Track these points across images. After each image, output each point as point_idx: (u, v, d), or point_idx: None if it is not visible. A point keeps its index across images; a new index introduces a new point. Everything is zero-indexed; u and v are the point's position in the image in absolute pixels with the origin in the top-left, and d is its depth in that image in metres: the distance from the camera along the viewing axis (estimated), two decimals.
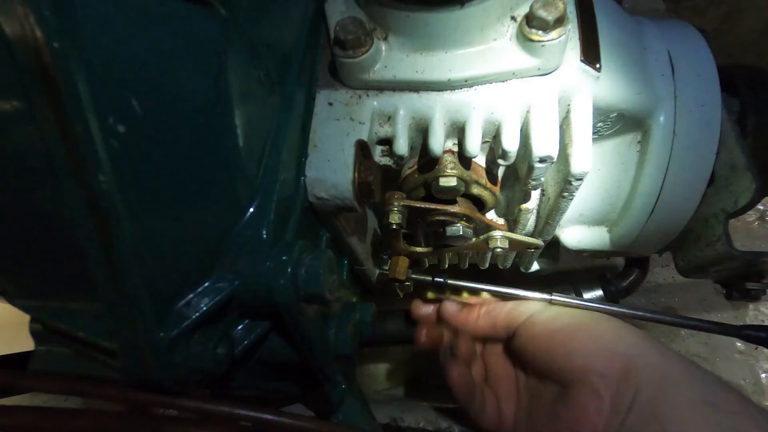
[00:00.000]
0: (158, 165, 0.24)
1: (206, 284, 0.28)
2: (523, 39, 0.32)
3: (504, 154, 0.36)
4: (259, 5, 0.30)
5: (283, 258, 0.29)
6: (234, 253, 0.28)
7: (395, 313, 0.63)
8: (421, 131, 0.37)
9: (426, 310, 0.46)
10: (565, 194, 0.41)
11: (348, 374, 0.37)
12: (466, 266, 0.57)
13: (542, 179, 0.39)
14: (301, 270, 0.28)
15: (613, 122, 0.42)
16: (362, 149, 0.35)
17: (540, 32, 0.31)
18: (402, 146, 0.36)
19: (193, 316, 0.26)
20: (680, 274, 0.50)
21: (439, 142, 0.36)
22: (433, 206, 0.40)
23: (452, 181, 0.38)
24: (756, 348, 0.79)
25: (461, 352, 0.43)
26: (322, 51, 0.38)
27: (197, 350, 0.26)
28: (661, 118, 0.43)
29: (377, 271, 0.54)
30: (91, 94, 0.20)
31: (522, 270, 0.59)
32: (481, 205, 0.44)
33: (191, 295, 0.27)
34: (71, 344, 0.34)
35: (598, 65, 0.36)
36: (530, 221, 0.49)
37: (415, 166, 0.41)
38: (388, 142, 0.38)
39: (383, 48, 0.35)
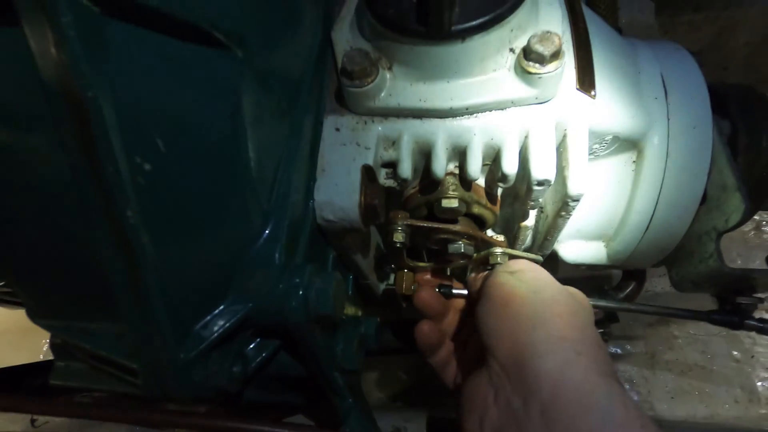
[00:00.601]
0: (180, 197, 0.25)
1: (222, 306, 0.29)
2: (521, 71, 0.34)
3: (504, 178, 0.38)
4: (271, 40, 0.32)
5: (296, 281, 0.30)
6: (248, 277, 0.30)
7: (398, 323, 0.64)
8: (424, 155, 0.39)
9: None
10: (563, 213, 0.42)
11: (354, 387, 0.39)
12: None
13: (540, 200, 0.40)
14: (312, 293, 0.30)
15: (608, 144, 0.44)
16: (368, 173, 0.36)
17: (537, 65, 0.33)
18: (406, 169, 0.38)
19: (211, 338, 0.28)
20: (675, 289, 0.51)
21: (442, 165, 0.38)
22: (435, 225, 0.42)
23: (454, 203, 0.39)
24: (753, 357, 0.80)
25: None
26: (328, 77, 0.40)
27: (214, 369, 0.28)
28: (655, 140, 0.44)
29: (382, 286, 0.55)
30: (121, 137, 0.22)
31: None
32: (481, 223, 0.46)
33: (208, 317, 0.29)
34: (89, 360, 0.35)
35: (593, 92, 0.38)
36: (529, 237, 0.51)
37: (418, 187, 0.43)
38: (392, 165, 0.39)
39: (388, 77, 0.37)
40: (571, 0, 0.40)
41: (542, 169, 0.36)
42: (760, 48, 0.88)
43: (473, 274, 0.48)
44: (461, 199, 0.40)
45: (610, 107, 0.40)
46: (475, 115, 0.37)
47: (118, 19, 0.21)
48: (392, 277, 0.56)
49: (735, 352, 0.80)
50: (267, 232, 0.31)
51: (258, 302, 0.30)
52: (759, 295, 0.49)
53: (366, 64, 0.35)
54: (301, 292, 0.30)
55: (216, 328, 0.28)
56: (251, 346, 0.32)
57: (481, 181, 0.43)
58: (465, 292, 0.46)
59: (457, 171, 0.40)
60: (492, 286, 0.37)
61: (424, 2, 0.31)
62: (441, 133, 0.37)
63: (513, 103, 0.36)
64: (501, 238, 0.51)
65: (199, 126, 0.26)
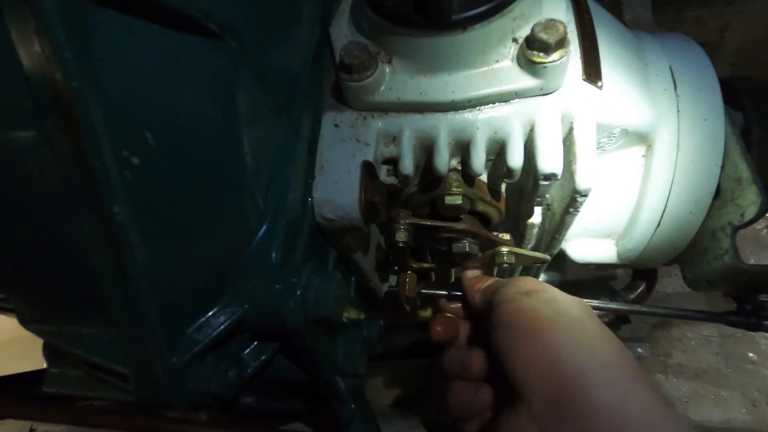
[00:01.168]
0: (171, 193, 0.24)
1: (217, 308, 0.28)
2: (525, 61, 0.33)
3: (509, 173, 0.36)
4: (268, 35, 0.31)
5: (293, 281, 0.29)
6: (244, 277, 0.29)
7: (402, 327, 0.63)
8: (426, 151, 0.38)
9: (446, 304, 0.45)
10: (571, 210, 0.41)
11: (357, 393, 0.38)
12: None
13: (547, 195, 0.39)
14: (311, 293, 0.29)
15: (616, 137, 0.42)
16: (368, 170, 0.35)
17: (541, 54, 0.32)
18: (407, 166, 0.37)
19: (205, 341, 0.27)
20: (688, 287, 0.50)
21: (444, 161, 0.37)
22: (438, 224, 0.41)
23: (458, 200, 0.38)
24: None
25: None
26: (327, 74, 0.39)
27: (209, 374, 0.27)
28: (665, 133, 0.43)
29: (385, 287, 0.54)
30: (107, 129, 0.21)
31: None
32: (486, 221, 0.45)
33: (203, 319, 0.27)
34: (84, 367, 0.34)
35: (600, 83, 0.37)
36: (536, 236, 0.50)
37: (420, 185, 0.42)
38: (393, 161, 0.38)
39: (387, 71, 0.36)
40: None
41: (549, 162, 0.35)
42: (763, 44, 0.86)
43: (468, 274, 0.46)
44: (465, 196, 0.39)
45: (618, 99, 0.39)
46: (478, 108, 0.35)
47: (104, 5, 0.20)
48: (395, 279, 0.55)
49: (751, 354, 0.77)
50: (263, 230, 0.30)
51: (254, 303, 0.29)
52: None
53: (365, 58, 0.34)
54: (299, 293, 0.28)
55: (211, 331, 0.27)
56: (248, 350, 0.31)
57: (484, 178, 0.42)
58: (458, 293, 0.45)
59: (460, 167, 0.39)
60: (510, 314, 0.34)
61: None
62: (443, 128, 0.36)
63: (517, 95, 0.35)
64: (507, 237, 0.50)
65: (190, 119, 0.25)
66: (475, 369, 0.36)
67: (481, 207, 0.41)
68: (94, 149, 0.21)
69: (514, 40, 0.34)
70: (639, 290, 0.56)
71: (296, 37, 0.36)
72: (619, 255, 0.51)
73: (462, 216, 0.42)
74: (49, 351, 0.37)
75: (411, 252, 0.49)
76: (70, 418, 0.28)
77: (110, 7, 0.21)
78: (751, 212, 0.40)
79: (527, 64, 0.33)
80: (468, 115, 0.36)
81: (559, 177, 0.36)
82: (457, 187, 0.38)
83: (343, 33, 0.38)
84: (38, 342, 0.38)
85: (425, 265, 0.50)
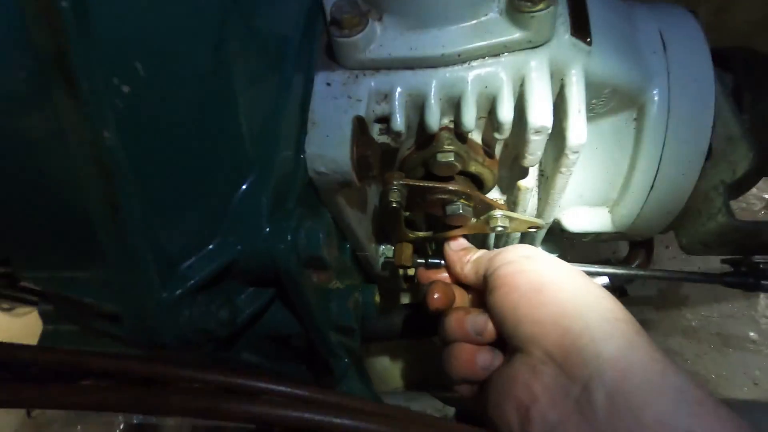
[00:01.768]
0: (161, 125, 0.25)
1: (209, 248, 0.28)
2: (513, 11, 0.33)
3: (499, 127, 0.37)
4: None
5: (283, 224, 0.29)
6: (236, 220, 0.29)
7: (399, 306, 0.63)
8: (418, 108, 0.38)
9: (434, 274, 0.45)
10: (563, 170, 0.41)
11: (350, 348, 0.38)
12: None
13: (539, 153, 0.39)
14: (301, 234, 0.29)
15: (606, 99, 0.43)
16: (360, 125, 0.36)
17: (528, 4, 0.32)
18: (399, 123, 0.37)
19: (196, 278, 0.27)
20: (684, 252, 0.50)
21: (435, 117, 0.37)
22: (431, 184, 0.41)
23: (450, 156, 0.38)
24: None
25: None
26: (320, 37, 0.40)
27: (200, 311, 0.27)
28: (655, 95, 0.43)
29: (381, 259, 0.54)
30: (97, 54, 0.21)
31: None
32: (480, 184, 0.45)
33: (194, 259, 0.28)
34: (78, 321, 0.34)
35: (588, 39, 0.37)
36: (531, 204, 0.50)
37: (413, 147, 0.42)
38: (385, 120, 0.39)
39: (378, 28, 0.36)
40: None
41: (539, 115, 0.35)
42: (759, 26, 0.87)
43: (453, 245, 0.46)
44: (457, 153, 0.39)
45: (607, 57, 0.39)
46: (467, 63, 0.36)
47: None
48: (390, 251, 0.55)
49: (751, 333, 0.77)
50: (255, 176, 0.30)
51: (245, 245, 0.29)
52: None
53: (355, 13, 0.34)
54: (289, 235, 0.29)
55: (202, 270, 0.27)
56: (242, 296, 0.31)
57: (479, 139, 0.42)
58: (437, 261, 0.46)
59: (452, 126, 0.40)
60: (513, 275, 0.34)
61: None
62: (434, 83, 0.36)
63: (506, 48, 0.35)
64: (501, 201, 0.50)
65: (181, 53, 0.25)
66: (489, 331, 0.36)
67: (474, 167, 0.41)
68: (83, 71, 0.21)
69: None
70: (638, 260, 0.56)
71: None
72: (614, 222, 0.51)
73: (455, 177, 0.43)
74: (45, 309, 0.37)
75: (406, 223, 0.49)
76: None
77: None
78: (742, 167, 0.40)
79: (515, 16, 0.33)
80: (458, 70, 0.36)
81: (550, 131, 0.36)
82: (449, 144, 0.39)
83: None
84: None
85: (420, 234, 0.51)
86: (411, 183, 0.41)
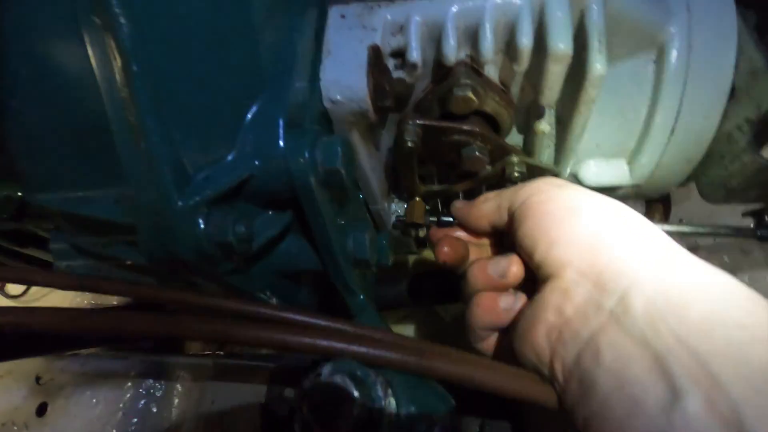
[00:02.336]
0: (177, 20, 0.24)
1: (226, 161, 0.28)
2: None
3: (518, 56, 0.36)
4: None
5: (300, 140, 0.28)
6: (253, 134, 0.28)
7: (408, 273, 0.62)
8: (434, 41, 0.37)
9: (444, 231, 0.44)
10: (582, 108, 0.40)
11: (366, 287, 0.37)
12: None
13: (557, 88, 0.39)
14: (319, 150, 0.28)
15: (625, 37, 0.42)
16: (375, 53, 0.35)
17: None
18: (415, 54, 0.37)
19: (213, 189, 0.26)
20: (705, 201, 0.48)
21: (452, 48, 0.36)
22: (447, 123, 0.40)
23: (467, 90, 0.38)
24: None
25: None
26: None
27: (217, 224, 0.26)
28: (675, 33, 0.42)
29: (393, 218, 0.53)
30: None
31: None
32: (496, 127, 0.44)
33: (210, 171, 0.27)
34: (91, 252, 0.34)
35: None
36: (547, 155, 0.49)
37: (429, 86, 0.41)
38: (400, 54, 0.38)
39: None
40: None
41: (559, 41, 0.35)
42: None
43: (458, 203, 0.43)
44: (474, 88, 0.38)
45: None
46: None
47: None
48: (401, 208, 0.54)
49: None
50: (270, 94, 0.30)
51: (263, 159, 0.28)
52: None
53: None
54: (306, 150, 0.28)
55: (219, 182, 0.27)
56: (260, 219, 0.30)
57: (496, 78, 0.41)
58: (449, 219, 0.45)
59: (469, 60, 0.39)
60: (545, 202, 0.33)
61: None
62: (451, 11, 0.35)
63: None
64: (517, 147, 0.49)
65: None
66: (513, 273, 0.34)
67: (490, 106, 0.41)
68: None
69: None
70: (656, 216, 0.55)
71: None
72: (632, 174, 0.50)
73: (472, 119, 0.42)
74: (56, 247, 0.36)
75: (419, 178, 0.48)
76: (78, 284, 0.27)
77: None
78: (767, 101, 0.39)
79: None
80: None
81: (570, 58, 0.35)
82: (466, 78, 0.38)
83: None
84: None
85: (434, 187, 0.50)
86: (427, 123, 0.40)
